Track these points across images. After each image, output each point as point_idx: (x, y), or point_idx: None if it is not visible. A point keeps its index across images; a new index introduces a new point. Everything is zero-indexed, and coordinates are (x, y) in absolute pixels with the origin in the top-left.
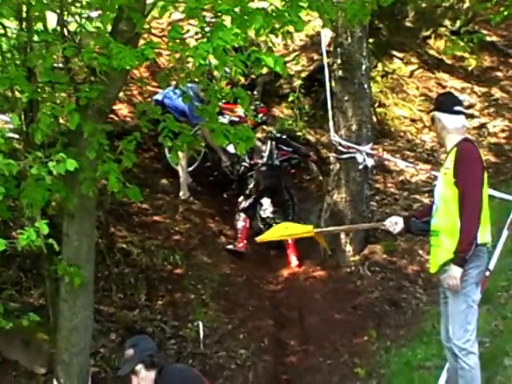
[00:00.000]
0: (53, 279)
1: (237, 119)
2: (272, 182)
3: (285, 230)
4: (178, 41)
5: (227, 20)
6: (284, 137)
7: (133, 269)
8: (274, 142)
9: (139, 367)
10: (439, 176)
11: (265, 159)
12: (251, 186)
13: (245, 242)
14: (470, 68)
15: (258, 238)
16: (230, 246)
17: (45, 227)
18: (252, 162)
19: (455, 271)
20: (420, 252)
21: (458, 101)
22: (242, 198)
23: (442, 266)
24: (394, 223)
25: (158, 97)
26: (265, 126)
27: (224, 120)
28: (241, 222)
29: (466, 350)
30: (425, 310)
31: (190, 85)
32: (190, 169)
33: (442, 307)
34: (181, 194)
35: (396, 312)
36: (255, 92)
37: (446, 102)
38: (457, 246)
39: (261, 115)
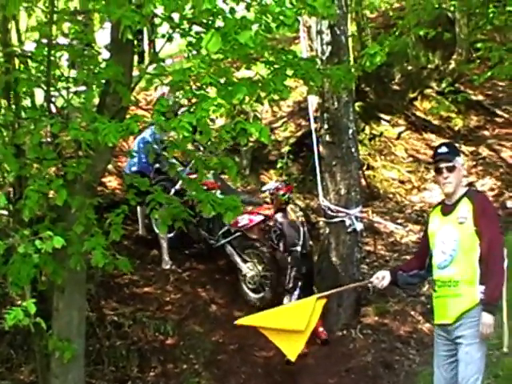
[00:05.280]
0: (43, 355)
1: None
2: (309, 268)
3: (274, 321)
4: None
5: (213, 90)
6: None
7: (124, 341)
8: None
9: None
10: (441, 227)
11: (299, 247)
12: (291, 278)
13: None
14: (456, 128)
15: (238, 321)
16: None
17: (32, 306)
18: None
19: (489, 319)
20: (412, 313)
21: None
22: (286, 298)
23: (461, 315)
24: (381, 278)
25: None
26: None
27: None
28: None
29: None
30: (418, 371)
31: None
32: (170, 235)
33: (445, 360)
34: (163, 264)
35: (389, 374)
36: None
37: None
38: (488, 295)
39: (287, 194)
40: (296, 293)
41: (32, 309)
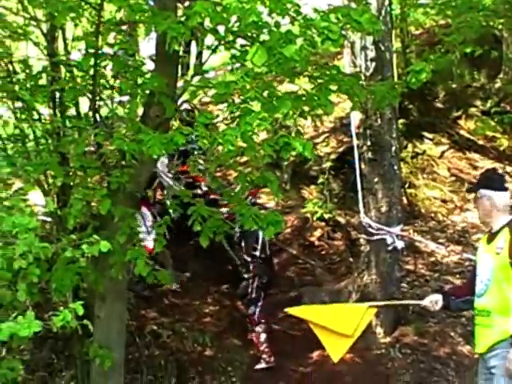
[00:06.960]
0: (84, 361)
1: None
2: (270, 274)
3: (322, 318)
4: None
5: (256, 104)
6: None
7: (163, 351)
8: None
9: None
10: (483, 255)
11: (258, 252)
12: (254, 289)
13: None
14: (501, 148)
15: (289, 310)
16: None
17: (80, 308)
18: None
19: None
20: (451, 334)
21: (504, 177)
22: (251, 309)
23: (493, 346)
24: (435, 302)
25: None
26: None
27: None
28: (263, 334)
29: None
30: None
31: None
32: None
33: None
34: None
35: None
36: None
37: (496, 179)
38: None
39: (250, 198)
40: (260, 304)
41: (80, 310)
